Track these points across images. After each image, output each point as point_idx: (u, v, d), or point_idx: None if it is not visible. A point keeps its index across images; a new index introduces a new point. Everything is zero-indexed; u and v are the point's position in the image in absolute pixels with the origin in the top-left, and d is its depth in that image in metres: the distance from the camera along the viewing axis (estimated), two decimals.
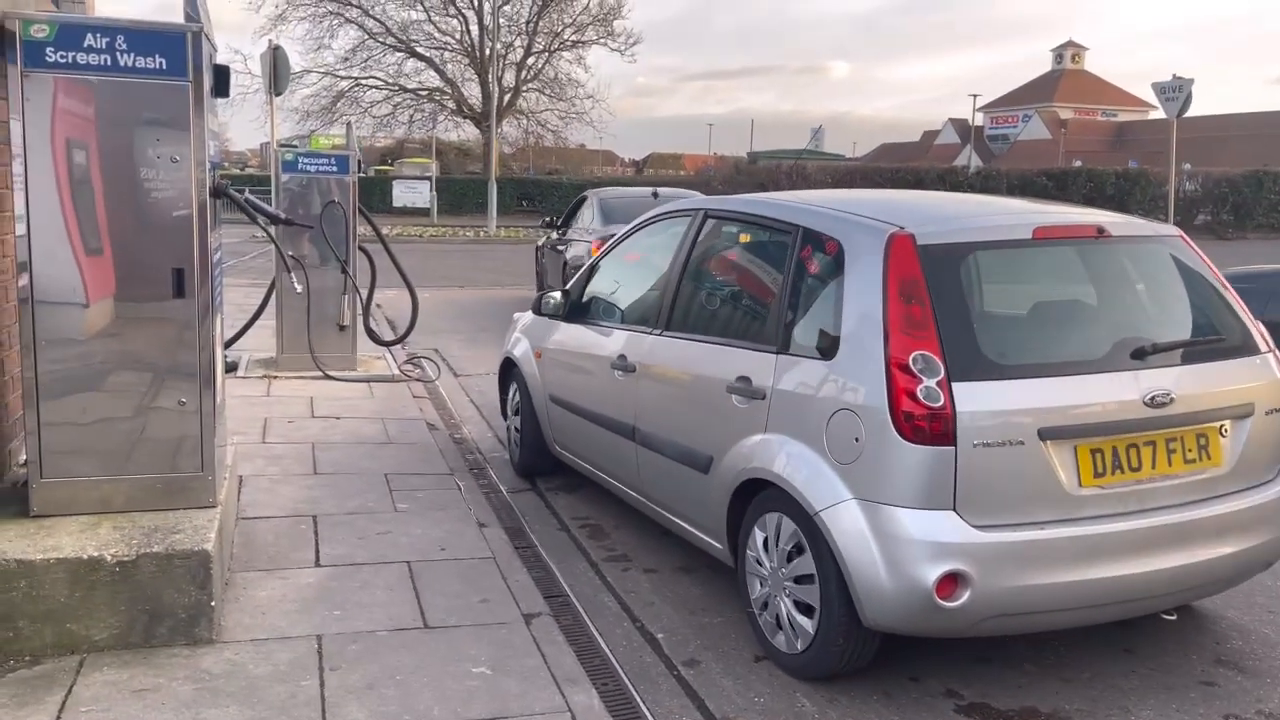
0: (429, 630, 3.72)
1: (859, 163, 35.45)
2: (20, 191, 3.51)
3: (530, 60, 41.43)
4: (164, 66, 3.57)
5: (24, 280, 3.55)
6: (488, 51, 39.38)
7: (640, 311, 4.95)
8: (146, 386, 3.72)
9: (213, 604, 3.50)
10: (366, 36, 39.80)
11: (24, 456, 3.96)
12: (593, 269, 5.63)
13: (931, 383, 3.26)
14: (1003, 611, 3.33)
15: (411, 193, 39.24)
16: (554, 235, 14.00)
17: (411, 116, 41.73)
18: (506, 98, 41.02)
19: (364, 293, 8.54)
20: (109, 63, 3.52)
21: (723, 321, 4.41)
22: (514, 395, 6.18)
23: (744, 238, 4.54)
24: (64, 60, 3.48)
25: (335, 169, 8.11)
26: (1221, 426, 3.61)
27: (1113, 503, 3.39)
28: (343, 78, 40.43)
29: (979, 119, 79.06)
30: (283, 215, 4.73)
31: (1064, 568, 3.31)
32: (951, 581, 3.22)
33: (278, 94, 14.35)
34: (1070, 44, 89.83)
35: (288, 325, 8.22)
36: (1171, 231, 4.13)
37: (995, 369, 3.38)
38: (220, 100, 4.08)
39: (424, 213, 37.13)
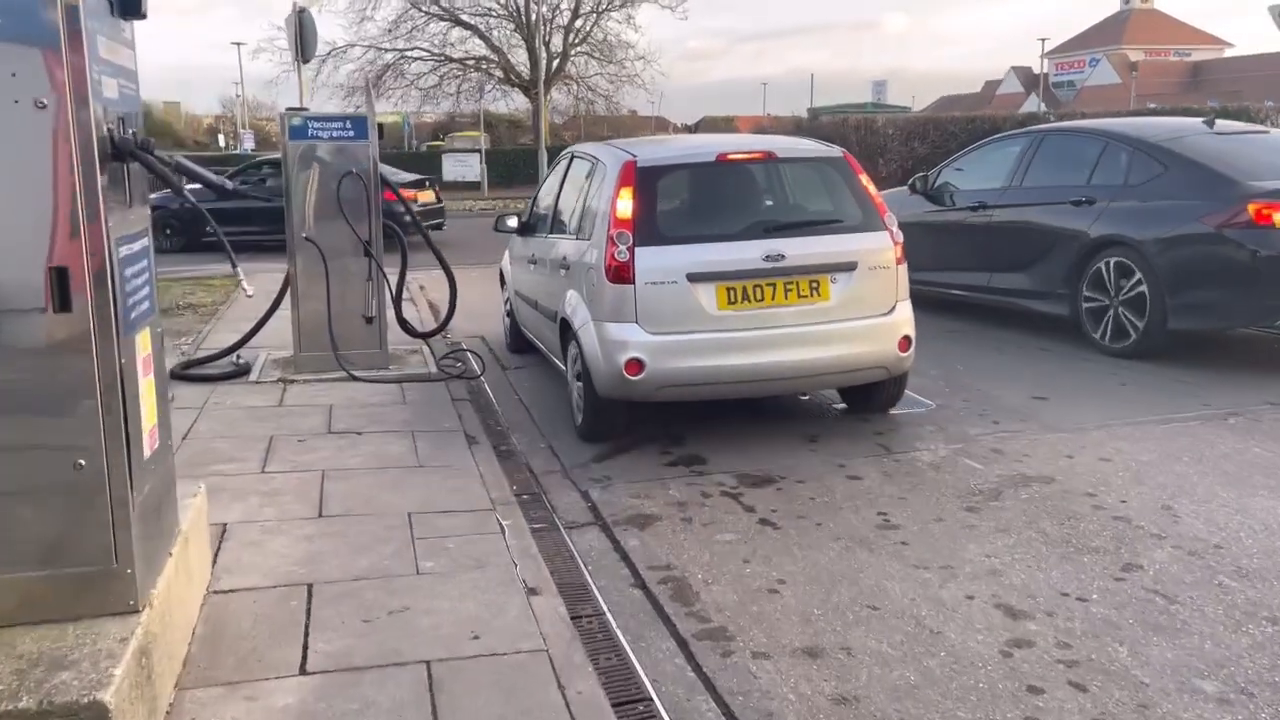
0: None
1: (929, 114, 33.47)
2: None
3: (578, 23, 39.78)
4: None
5: None
6: (534, 16, 37.97)
7: (542, 223, 7.03)
8: (22, 444, 2.53)
9: None
10: (409, 6, 38.55)
11: None
12: (533, 199, 7.66)
13: (624, 248, 5.27)
14: (668, 383, 5.34)
15: (461, 166, 38.01)
16: None
17: (459, 87, 40.47)
18: (555, 63, 39.52)
19: (393, 279, 7.35)
20: None
21: (564, 223, 6.46)
22: (505, 292, 8.32)
23: (578, 169, 6.53)
24: None
25: (351, 134, 6.90)
26: (832, 276, 5.44)
27: (742, 320, 5.31)
28: (387, 50, 39.26)
29: (1043, 65, 75.58)
30: (229, 183, 3.52)
31: (706, 358, 5.29)
32: (635, 365, 5.26)
33: (305, 61, 13.19)
34: None
35: (305, 318, 7.06)
36: (834, 154, 6.00)
37: (663, 239, 5.37)
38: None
39: (474, 186, 35.96)
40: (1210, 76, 71.47)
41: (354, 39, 38.51)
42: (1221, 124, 8.08)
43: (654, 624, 3.66)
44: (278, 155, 16.70)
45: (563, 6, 39.25)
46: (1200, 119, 8.43)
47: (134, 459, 2.67)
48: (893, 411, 6.24)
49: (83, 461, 2.56)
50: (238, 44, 58.49)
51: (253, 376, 6.91)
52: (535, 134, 37.22)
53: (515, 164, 39.16)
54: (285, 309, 7.23)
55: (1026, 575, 3.95)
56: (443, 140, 52.79)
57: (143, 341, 2.84)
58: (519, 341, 8.00)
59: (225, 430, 5.68)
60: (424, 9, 38.54)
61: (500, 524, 4.35)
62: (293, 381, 6.80)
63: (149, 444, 2.84)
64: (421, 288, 12.00)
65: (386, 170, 17.46)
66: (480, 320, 9.65)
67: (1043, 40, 70.11)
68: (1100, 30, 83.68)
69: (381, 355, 7.19)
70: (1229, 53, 79.97)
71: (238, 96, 58.56)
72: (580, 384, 5.74)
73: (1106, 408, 6.20)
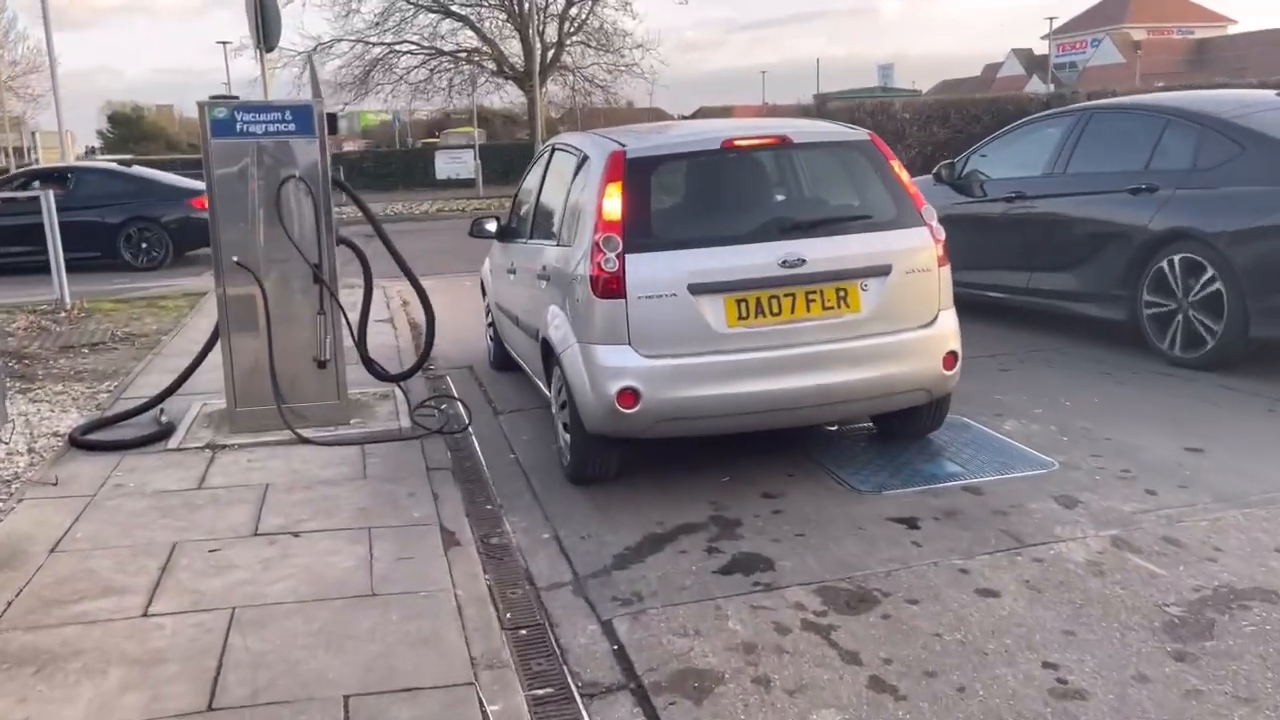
0: None
1: (948, 96, 31.70)
2: None
3: (573, 10, 38.22)
4: None
5: None
6: (526, 4, 36.37)
7: (523, 226, 6.09)
8: None
9: None
10: None
11: None
12: (514, 198, 6.70)
13: (612, 255, 4.46)
14: (668, 416, 4.51)
15: (455, 164, 36.53)
16: None
17: (451, 80, 38.84)
18: (550, 54, 37.91)
19: (354, 312, 5.86)
20: None
21: (545, 226, 5.56)
22: (486, 301, 7.39)
23: (561, 163, 5.59)
24: None
25: (293, 127, 5.39)
26: (862, 282, 4.59)
27: (756, 339, 4.50)
28: (375, 44, 37.67)
29: (1044, 47, 74.01)
30: None
31: (714, 385, 4.46)
32: (629, 395, 4.44)
33: (269, 49, 11.66)
34: None
35: (241, 364, 5.56)
36: (860, 136, 5.10)
37: (660, 243, 4.56)
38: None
39: (469, 184, 34.50)
40: (1214, 54, 69.91)
41: (340, 33, 36.99)
42: None
43: None
44: (51, 164, 15.97)
45: None
46: (1273, 91, 7.27)
47: None
48: (1010, 475, 4.75)
49: None
50: (223, 43, 56.76)
51: (174, 440, 5.41)
52: (531, 128, 35.73)
53: (512, 160, 37.55)
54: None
55: None
56: (437, 137, 51.26)
57: None
58: (503, 359, 7.09)
59: (115, 535, 4.17)
60: (413, 1, 36.99)
61: (484, 709, 2.85)
62: (224, 447, 5.30)
63: None
64: (405, 303, 10.52)
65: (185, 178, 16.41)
66: (469, 344, 8.19)
67: (1050, 19, 68.02)
68: (1101, 10, 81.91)
69: (340, 407, 5.70)
70: (1232, 30, 78.42)
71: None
72: (566, 415, 4.87)
73: None
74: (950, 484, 4.71)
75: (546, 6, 37.67)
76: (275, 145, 5.38)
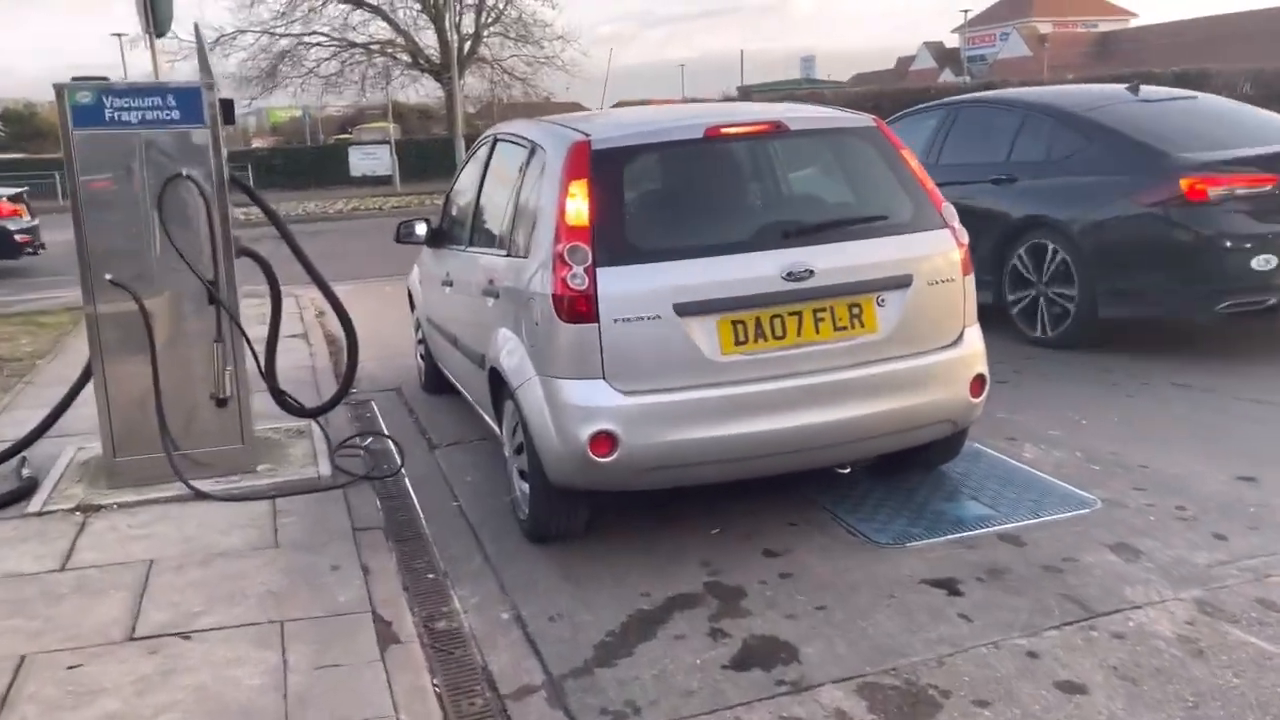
0: None
1: (880, 88, 31.35)
2: None
3: (491, 1, 37.10)
4: None
5: None
6: None
7: (460, 232, 5.30)
8: None
9: None
10: None
11: None
12: (446, 198, 5.85)
13: (579, 269, 3.66)
14: (652, 466, 3.73)
15: (370, 160, 35.19)
16: None
17: (364, 74, 37.31)
18: (467, 45, 36.69)
19: (261, 326, 4.91)
20: None
21: (489, 232, 4.77)
22: (415, 314, 6.56)
23: (506, 157, 4.77)
24: None
25: (176, 114, 4.43)
26: (878, 297, 3.88)
27: (757, 367, 3.75)
28: (282, 36, 35.98)
29: (954, 40, 75.11)
30: None
31: (708, 425, 3.70)
32: (604, 441, 3.65)
33: (159, 35, 10.46)
34: None
35: (120, 404, 4.58)
36: (865, 122, 4.36)
37: (637, 254, 3.76)
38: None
39: (386, 181, 33.21)
40: (1117, 47, 71.64)
41: (244, 24, 35.24)
42: (1147, 90, 7.40)
43: None
44: None
45: None
46: (1124, 85, 7.56)
47: None
48: (1048, 517, 4.05)
49: None
50: (118, 35, 53.80)
51: (36, 502, 4.40)
52: (449, 122, 34.51)
53: (430, 155, 36.34)
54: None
55: None
56: (351, 133, 49.53)
57: None
58: (436, 381, 6.22)
59: None
60: None
61: None
62: (99, 508, 4.32)
63: None
64: (320, 313, 9.50)
65: None
66: (396, 360, 7.28)
67: (965, 11, 68.87)
68: (1010, 4, 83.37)
69: (245, 451, 4.75)
70: (1134, 23, 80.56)
71: None
72: (522, 462, 4.07)
73: None
74: (982, 531, 3.99)
75: None
76: (156, 137, 4.41)
